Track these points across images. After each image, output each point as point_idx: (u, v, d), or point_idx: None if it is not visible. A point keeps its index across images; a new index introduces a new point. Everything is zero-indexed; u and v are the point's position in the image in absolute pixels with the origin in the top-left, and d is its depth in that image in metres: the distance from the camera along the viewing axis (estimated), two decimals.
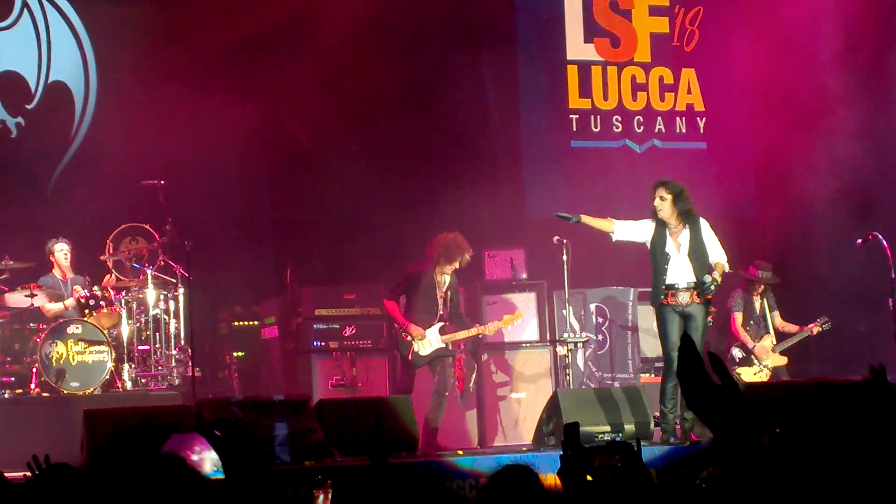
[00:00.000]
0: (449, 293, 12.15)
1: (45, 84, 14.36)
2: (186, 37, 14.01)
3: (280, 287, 13.94)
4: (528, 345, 13.54)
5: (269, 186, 14.77)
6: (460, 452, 11.36)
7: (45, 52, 14.37)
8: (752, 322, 13.91)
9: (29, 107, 14.29)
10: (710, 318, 11.42)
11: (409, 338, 11.97)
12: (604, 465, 4.61)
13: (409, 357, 11.99)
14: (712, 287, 10.95)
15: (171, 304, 12.88)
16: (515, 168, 15.55)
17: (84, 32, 14.46)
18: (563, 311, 12.76)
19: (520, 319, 12.79)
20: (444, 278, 12.13)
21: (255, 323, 14.28)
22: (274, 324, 13.94)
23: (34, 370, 12.17)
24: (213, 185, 13.99)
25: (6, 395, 12.12)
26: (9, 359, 12.41)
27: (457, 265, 12.07)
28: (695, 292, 10.98)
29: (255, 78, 14.14)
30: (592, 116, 15.88)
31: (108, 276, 12.99)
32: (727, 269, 11.21)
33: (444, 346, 12.06)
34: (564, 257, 12.04)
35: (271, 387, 13.26)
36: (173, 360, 12.73)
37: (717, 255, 11.11)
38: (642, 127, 15.96)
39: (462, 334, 12.23)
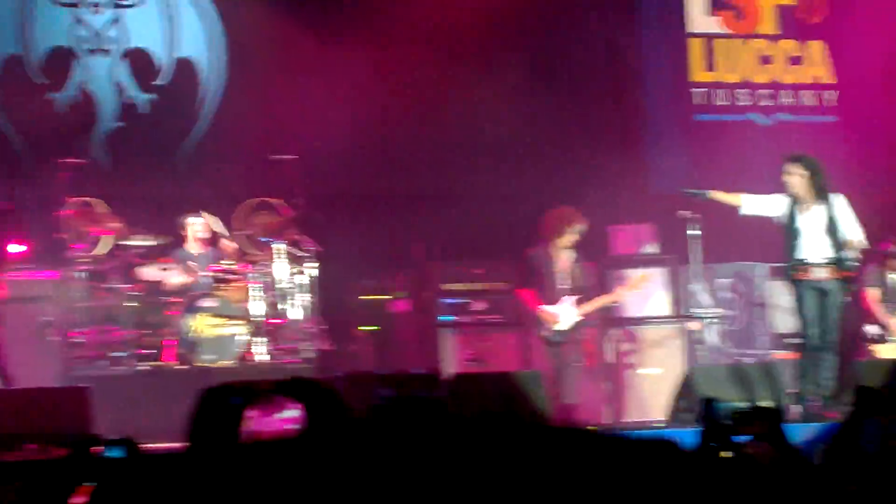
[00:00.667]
0: (572, 267, 12.03)
1: (173, 60, 14.49)
2: (316, 10, 14.08)
3: (409, 261, 13.95)
4: (658, 320, 13.43)
5: (400, 161, 14.76)
6: (593, 428, 11.27)
7: (174, 29, 14.50)
8: (887, 298, 13.64)
9: (158, 83, 14.43)
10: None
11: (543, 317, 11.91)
12: (746, 435, 4.57)
13: (548, 335, 11.94)
14: (854, 264, 10.78)
15: (302, 277, 12.92)
16: (640, 142, 15.46)
17: (212, 7, 14.57)
18: (691, 287, 12.64)
19: (647, 282, 12.64)
20: (563, 253, 12.01)
21: (386, 297, 14.32)
22: (404, 297, 13.96)
23: (169, 343, 12.32)
24: (343, 159, 14.03)
25: (145, 367, 12.28)
26: (145, 332, 12.55)
27: (572, 238, 11.92)
28: (832, 268, 10.83)
29: (387, 50, 14.14)
30: (716, 90, 15.76)
31: (231, 244, 13.05)
32: (865, 244, 11.01)
33: (580, 318, 11.98)
34: (693, 232, 11.92)
35: (403, 361, 13.29)
36: (306, 334, 12.79)
37: (853, 232, 10.93)
38: (769, 100, 15.79)
39: (597, 303, 12.10)
